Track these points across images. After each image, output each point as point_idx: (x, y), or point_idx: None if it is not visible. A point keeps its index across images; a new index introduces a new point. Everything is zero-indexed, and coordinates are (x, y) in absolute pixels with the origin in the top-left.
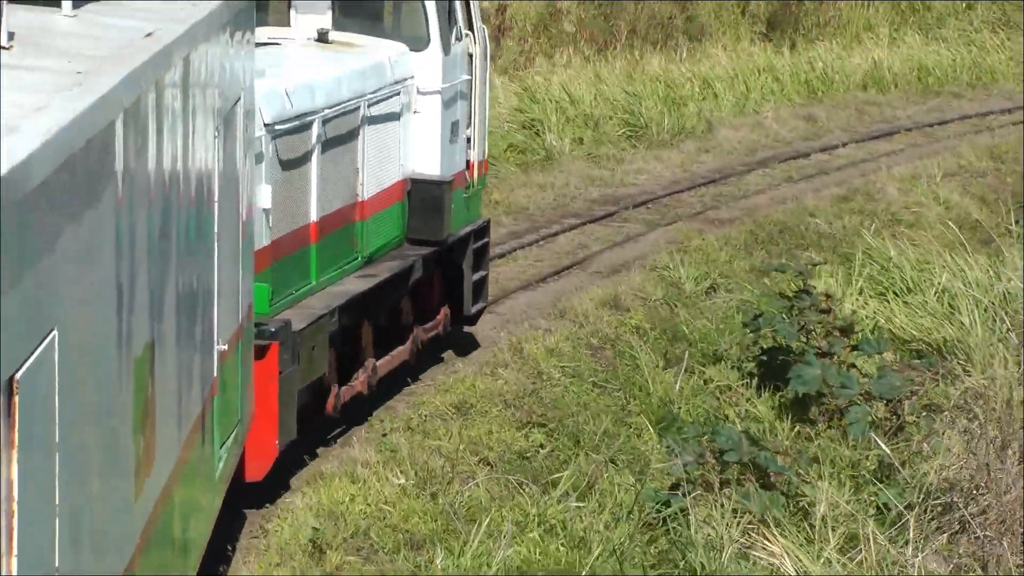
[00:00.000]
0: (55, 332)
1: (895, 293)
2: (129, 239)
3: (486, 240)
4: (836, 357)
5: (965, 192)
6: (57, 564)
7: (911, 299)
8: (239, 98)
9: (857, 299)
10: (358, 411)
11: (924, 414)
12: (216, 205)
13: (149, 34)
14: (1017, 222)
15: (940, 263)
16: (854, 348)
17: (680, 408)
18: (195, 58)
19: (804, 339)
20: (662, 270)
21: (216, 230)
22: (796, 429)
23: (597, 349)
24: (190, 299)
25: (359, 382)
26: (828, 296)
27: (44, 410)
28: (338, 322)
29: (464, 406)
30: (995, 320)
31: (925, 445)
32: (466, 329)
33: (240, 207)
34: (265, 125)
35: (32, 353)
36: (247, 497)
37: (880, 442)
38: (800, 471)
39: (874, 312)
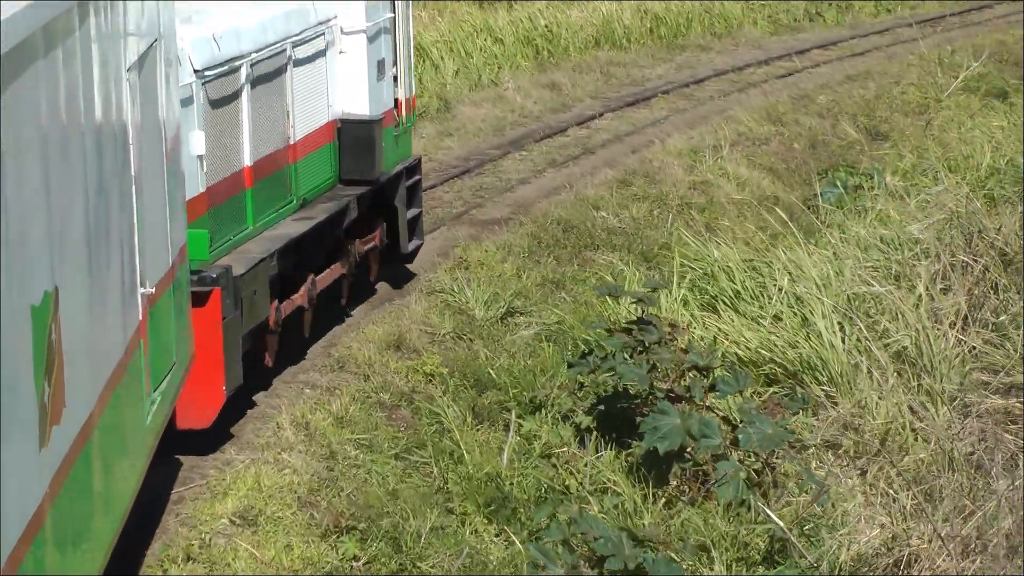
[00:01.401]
0: None
1: (725, 302)
2: (16, 188)
3: (418, 177)
4: (694, 401)
5: (752, 164)
6: None
7: (746, 308)
8: (155, 41)
9: (683, 313)
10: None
11: (796, 456)
12: (132, 149)
13: None
14: (822, 195)
15: (771, 258)
16: (710, 388)
17: (509, 483)
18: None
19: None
20: (445, 294)
21: (134, 174)
22: (663, 499)
23: (392, 408)
24: (104, 244)
25: (300, 295)
26: (673, 326)
27: None
28: (277, 266)
29: (250, 514)
30: (849, 326)
31: (817, 508)
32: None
33: (163, 151)
34: (195, 71)
35: None
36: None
37: (768, 512)
38: (688, 564)
39: (715, 333)
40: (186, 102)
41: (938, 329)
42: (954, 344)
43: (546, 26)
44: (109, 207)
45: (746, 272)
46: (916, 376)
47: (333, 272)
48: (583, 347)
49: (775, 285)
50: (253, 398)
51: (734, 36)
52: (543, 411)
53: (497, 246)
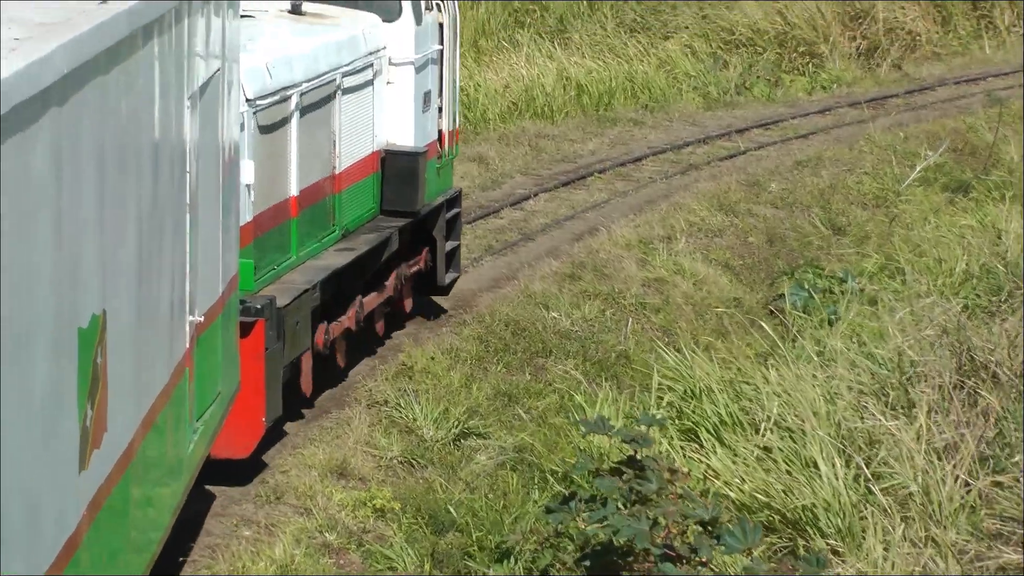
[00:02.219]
0: None
1: (708, 429)
2: (72, 209)
3: (458, 210)
4: (697, 560)
5: (708, 259)
6: None
7: (731, 437)
8: (218, 69)
9: (659, 440)
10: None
11: None
12: (189, 176)
13: (104, 1)
14: (788, 298)
15: (756, 378)
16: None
17: None
18: (159, 26)
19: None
20: (389, 408)
21: (189, 201)
22: None
23: (340, 552)
24: (156, 269)
25: (348, 317)
26: (673, 471)
27: None
28: (319, 297)
29: None
30: (847, 464)
31: None
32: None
33: (220, 179)
34: (247, 100)
35: None
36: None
37: None
38: None
39: (704, 470)
40: (238, 131)
41: (943, 468)
42: (961, 485)
43: (463, 88)
44: (162, 233)
45: (729, 394)
46: (924, 526)
47: (380, 295)
48: (553, 480)
49: (764, 413)
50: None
51: (667, 110)
52: (513, 560)
53: (442, 350)
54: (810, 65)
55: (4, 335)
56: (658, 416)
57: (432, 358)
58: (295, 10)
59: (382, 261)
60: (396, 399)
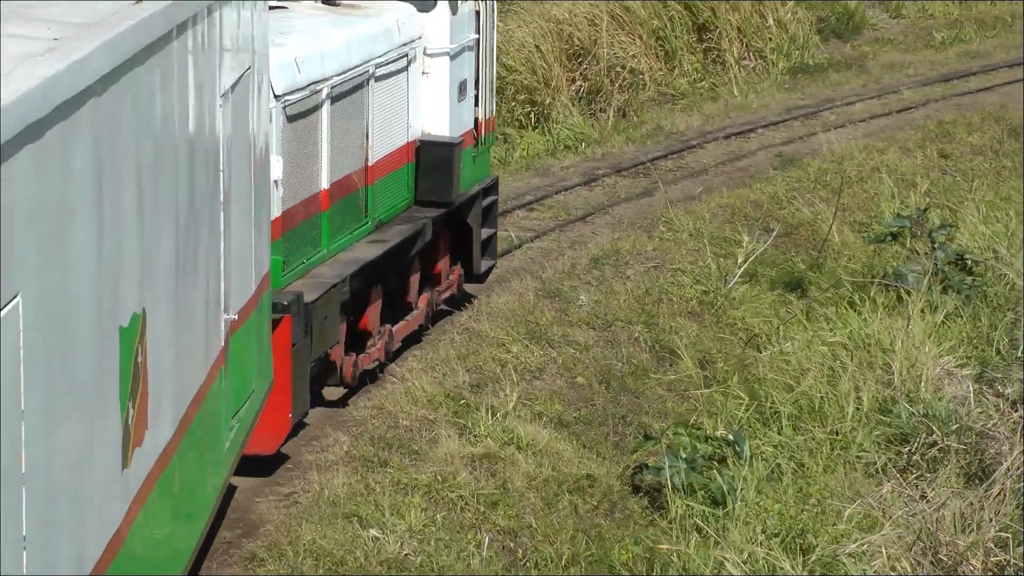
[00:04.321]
0: (19, 298)
1: None
2: (113, 208)
3: (494, 198)
4: None
5: (535, 413)
6: (25, 530)
7: None
8: (249, 66)
9: None
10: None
11: None
12: (223, 173)
13: (138, 1)
14: (659, 472)
15: None
16: None
17: None
18: (192, 24)
19: None
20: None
21: (223, 199)
22: None
23: None
24: (192, 268)
25: (377, 349)
26: None
27: (7, 375)
28: (349, 290)
29: None
30: None
31: None
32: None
33: (251, 177)
34: (275, 96)
35: None
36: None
37: None
38: None
39: None
40: (267, 127)
41: None
42: None
43: None
44: (198, 232)
45: None
46: None
47: (411, 324)
48: None
49: None
50: None
51: None
52: None
53: None
54: (531, 115)
55: (48, 335)
56: None
57: None
58: (329, 1)
59: (412, 285)
60: None
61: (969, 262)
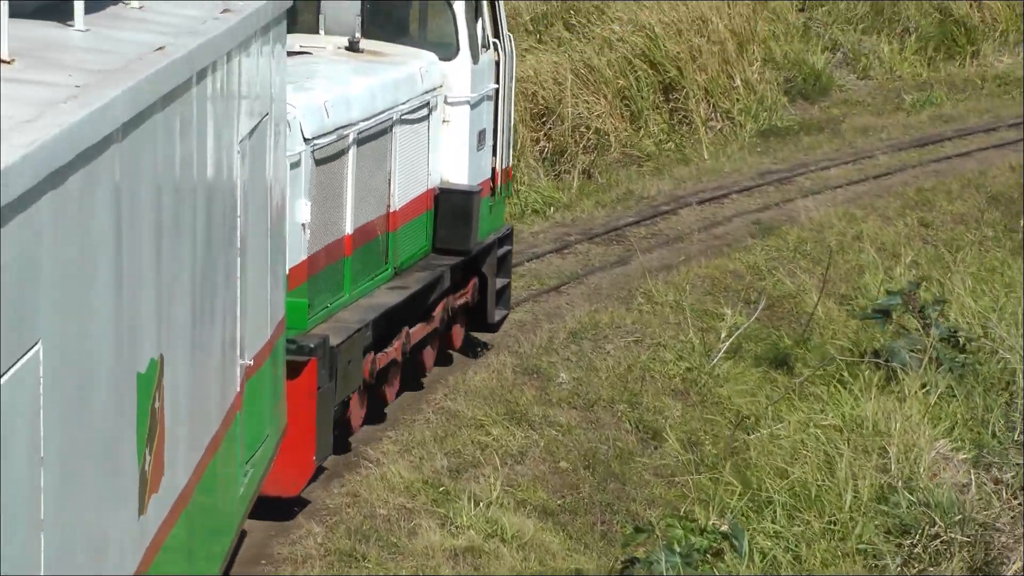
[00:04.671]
0: (39, 345)
1: None
2: (132, 254)
3: (509, 248)
4: None
5: (519, 502)
6: (43, 573)
7: None
8: (267, 113)
9: None
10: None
11: None
12: (239, 219)
13: (160, 48)
14: (651, 565)
15: None
16: None
17: None
18: (212, 71)
19: None
20: None
21: (240, 245)
22: None
23: None
24: (209, 314)
25: (394, 349)
26: None
27: (27, 421)
28: (371, 336)
29: None
30: None
31: None
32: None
33: (269, 224)
34: (305, 139)
35: (13, 365)
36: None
37: None
38: None
39: None
40: (294, 169)
41: None
42: None
43: None
44: (215, 278)
45: None
46: None
47: (427, 326)
48: None
49: None
50: None
51: None
52: None
53: None
54: None
55: (67, 382)
56: None
57: None
58: (353, 47)
59: (433, 299)
60: None
61: (963, 339)
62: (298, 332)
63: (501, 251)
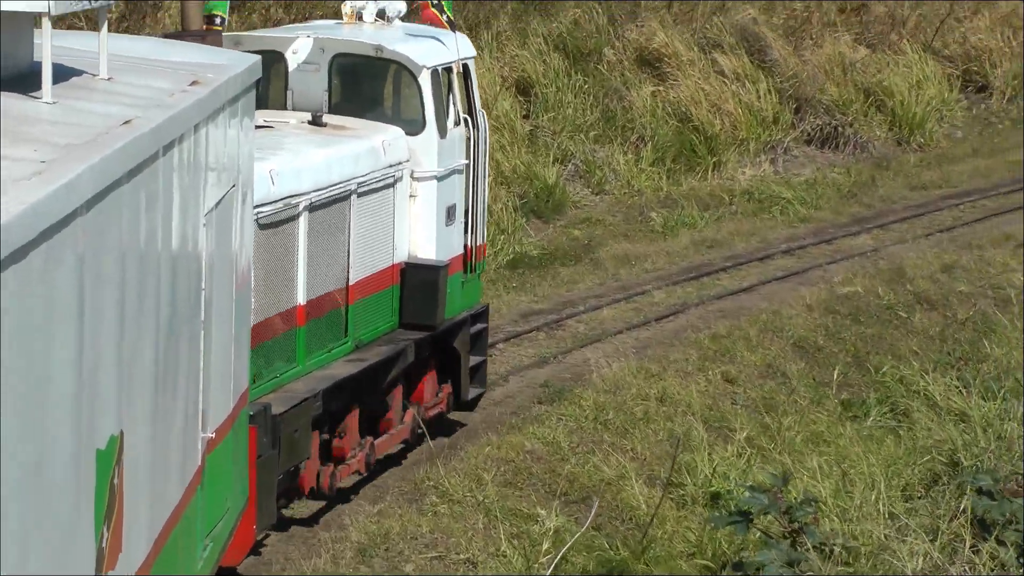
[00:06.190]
0: None
1: None
2: (93, 329)
3: (484, 325)
4: None
5: None
6: None
7: None
8: (234, 184)
9: None
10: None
11: None
12: (204, 293)
13: (127, 122)
14: None
15: None
16: None
17: None
18: (179, 143)
19: None
20: None
21: (203, 318)
22: None
23: None
24: (171, 387)
25: (356, 460)
26: None
27: None
28: (322, 406)
29: None
30: None
31: None
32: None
33: (234, 294)
34: None
35: None
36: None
37: None
38: None
39: None
40: None
41: None
42: None
43: None
44: (178, 351)
45: None
46: None
47: (394, 438)
48: None
49: None
50: None
51: None
52: None
53: None
54: None
55: (24, 457)
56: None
57: None
58: (316, 121)
59: (402, 400)
60: None
61: (838, 548)
62: None
63: (475, 328)
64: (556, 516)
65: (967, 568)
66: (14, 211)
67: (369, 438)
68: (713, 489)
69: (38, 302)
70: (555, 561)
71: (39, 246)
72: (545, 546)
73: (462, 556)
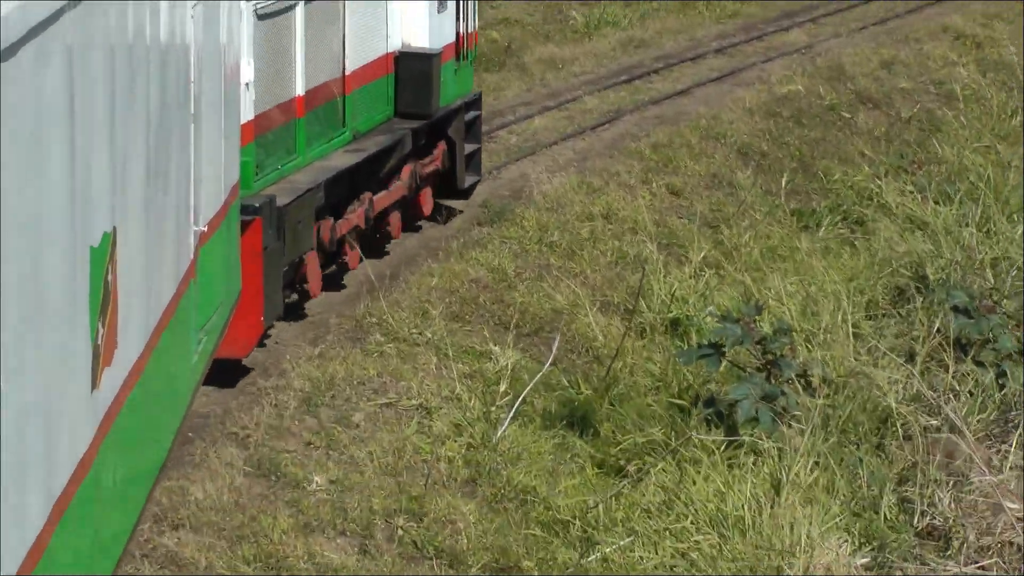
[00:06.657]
0: None
1: None
2: (85, 125)
3: (478, 113)
4: None
5: None
6: None
7: None
8: None
9: None
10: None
11: None
12: (193, 85)
13: None
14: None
15: None
16: None
17: None
18: None
19: None
20: None
21: (193, 111)
22: None
23: None
24: (163, 182)
25: (356, 215)
26: None
27: None
28: (324, 197)
29: None
30: None
31: None
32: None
33: (223, 89)
34: None
35: None
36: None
37: None
38: None
39: None
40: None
41: None
42: None
43: None
44: (169, 146)
45: None
46: None
47: (392, 193)
48: None
49: None
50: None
51: None
52: None
53: None
54: None
55: (18, 255)
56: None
57: None
58: None
59: (395, 163)
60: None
61: (816, 379)
62: (245, 193)
63: (469, 116)
64: (511, 351)
65: (951, 396)
66: (7, 6)
67: (368, 193)
68: (672, 315)
69: (28, 99)
70: (516, 405)
71: (29, 42)
72: (503, 387)
73: (414, 402)
